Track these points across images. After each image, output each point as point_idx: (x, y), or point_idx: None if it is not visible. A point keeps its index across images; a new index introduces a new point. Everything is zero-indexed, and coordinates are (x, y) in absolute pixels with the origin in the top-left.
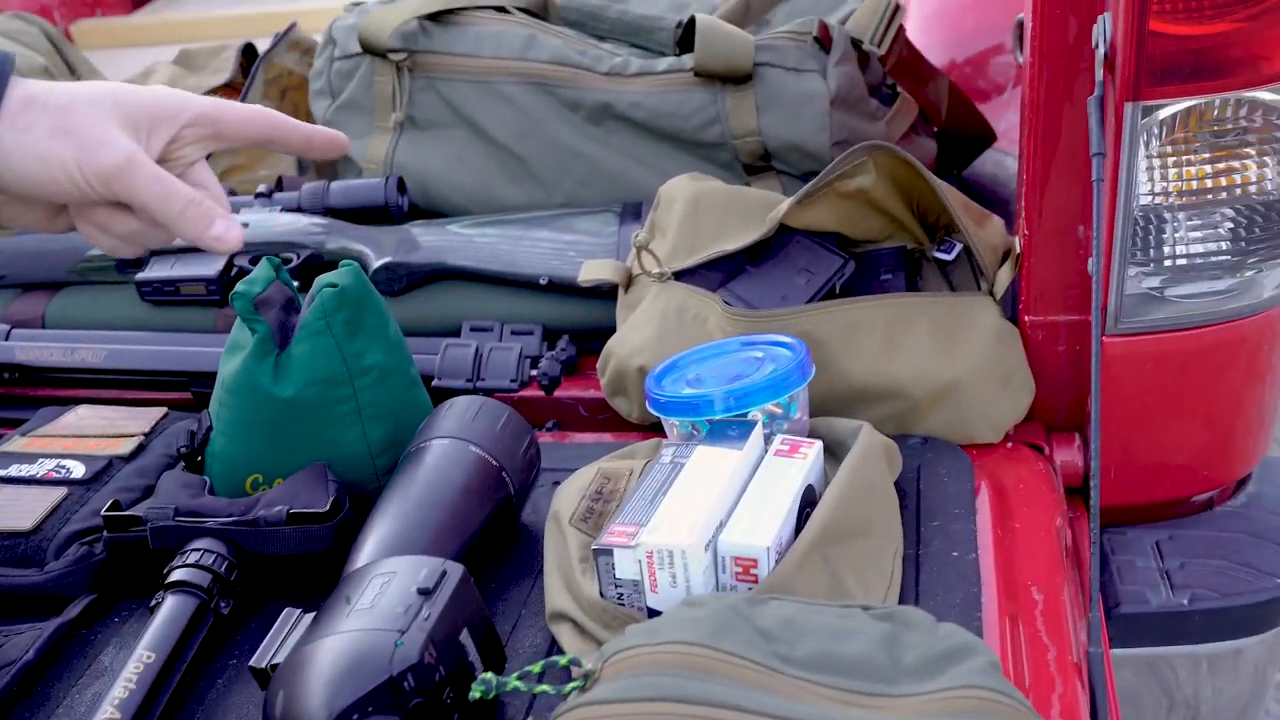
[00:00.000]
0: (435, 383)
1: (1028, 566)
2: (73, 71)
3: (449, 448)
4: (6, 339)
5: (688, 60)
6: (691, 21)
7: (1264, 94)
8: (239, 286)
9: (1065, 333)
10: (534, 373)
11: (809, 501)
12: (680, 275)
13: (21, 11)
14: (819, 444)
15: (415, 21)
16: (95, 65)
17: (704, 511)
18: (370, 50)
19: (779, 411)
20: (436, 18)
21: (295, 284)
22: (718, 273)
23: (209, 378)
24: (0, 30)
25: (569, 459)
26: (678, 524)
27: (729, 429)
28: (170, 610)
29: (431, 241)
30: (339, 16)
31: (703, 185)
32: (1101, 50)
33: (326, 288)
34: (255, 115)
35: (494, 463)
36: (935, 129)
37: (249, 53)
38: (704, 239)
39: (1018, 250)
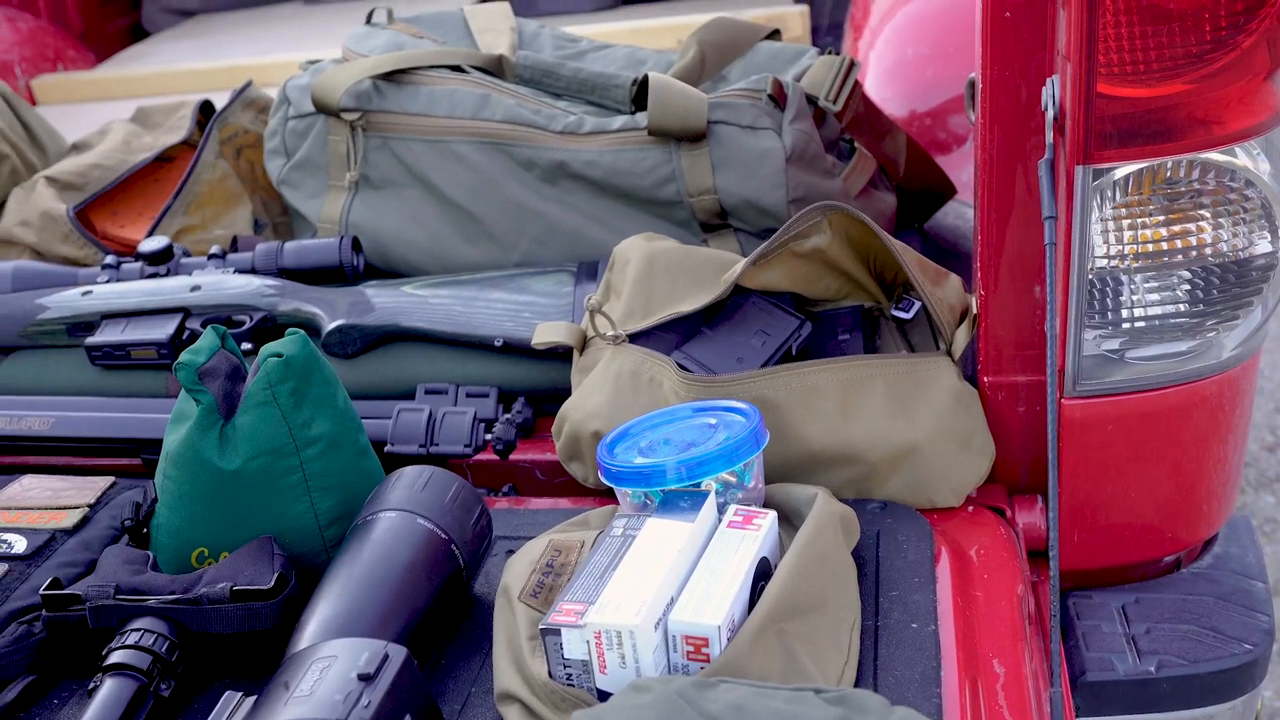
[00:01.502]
0: (388, 448)
1: (989, 637)
2: (27, 129)
3: (396, 521)
4: None
5: (642, 119)
6: (646, 80)
7: (1216, 155)
8: (183, 357)
9: (1025, 394)
10: (488, 437)
11: (764, 574)
12: (635, 337)
13: None
14: (773, 515)
15: (368, 81)
16: (55, 121)
17: (654, 589)
18: (323, 109)
19: (733, 480)
20: (390, 77)
21: (246, 347)
22: (673, 334)
23: (158, 445)
24: None
25: (524, 526)
26: (626, 602)
27: (681, 500)
28: (108, 694)
29: (385, 303)
30: (293, 75)
31: (657, 245)
32: (1051, 113)
33: (271, 357)
34: None
35: (443, 535)
36: (894, 183)
37: (206, 110)
38: (658, 300)
39: (975, 310)
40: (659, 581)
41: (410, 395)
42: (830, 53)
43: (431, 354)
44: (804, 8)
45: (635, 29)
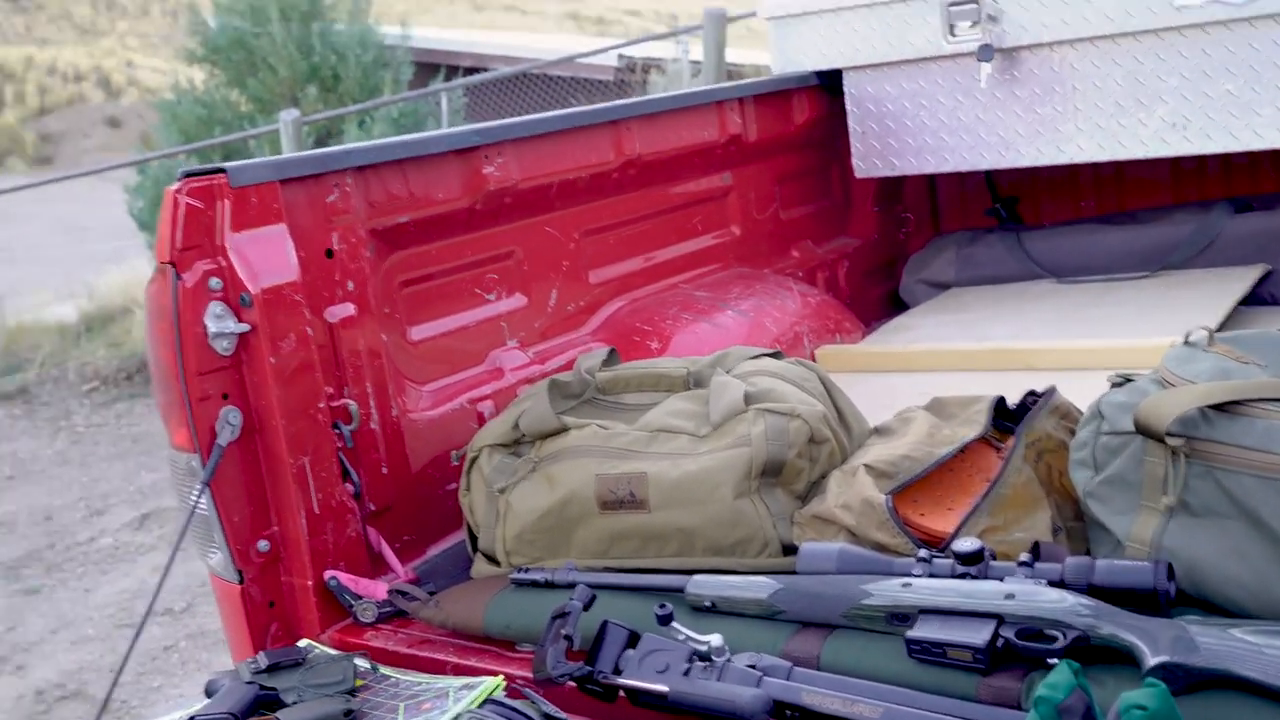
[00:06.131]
0: None
1: None
2: (839, 412)
3: None
4: (788, 677)
5: None
6: None
7: None
8: (1042, 691)
9: None
10: None
11: None
12: None
13: (803, 359)
14: None
15: (1197, 409)
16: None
17: None
18: (1146, 433)
19: None
20: (1220, 406)
21: (1051, 661)
22: None
23: None
24: (789, 375)
25: None
26: None
27: None
28: None
29: (1212, 645)
30: (1107, 392)
31: None
32: None
33: (1134, 709)
34: None
35: None
36: None
37: (1000, 406)
38: None
39: None
40: None
41: None
42: None
43: (1259, 709)
44: None
45: None
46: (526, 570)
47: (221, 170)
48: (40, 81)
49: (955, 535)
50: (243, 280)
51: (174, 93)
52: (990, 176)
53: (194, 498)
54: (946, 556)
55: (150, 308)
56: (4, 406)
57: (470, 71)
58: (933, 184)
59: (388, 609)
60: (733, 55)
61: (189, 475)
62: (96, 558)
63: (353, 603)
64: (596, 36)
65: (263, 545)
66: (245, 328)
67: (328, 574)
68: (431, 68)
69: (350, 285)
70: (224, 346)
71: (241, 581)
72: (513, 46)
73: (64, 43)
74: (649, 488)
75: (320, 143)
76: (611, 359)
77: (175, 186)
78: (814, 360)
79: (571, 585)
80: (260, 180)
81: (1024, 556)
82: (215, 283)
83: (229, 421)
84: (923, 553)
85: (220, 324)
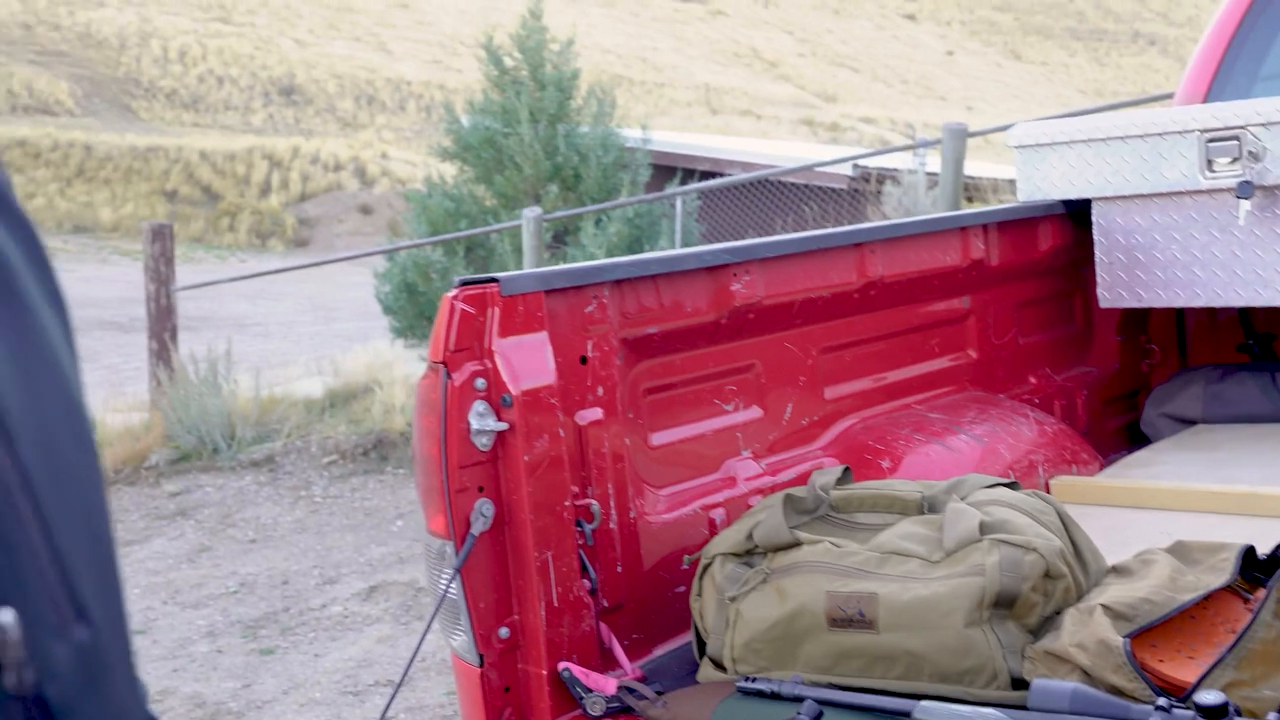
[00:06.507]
0: None
1: None
2: (1075, 547)
3: None
4: None
5: None
6: None
7: None
8: None
9: None
10: None
11: None
12: None
13: (1039, 491)
14: None
15: None
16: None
17: None
18: None
19: None
20: None
21: None
22: None
23: None
24: (1025, 507)
25: None
26: None
27: None
28: None
29: None
30: None
31: None
32: None
33: None
34: None
35: None
36: None
37: (1248, 556)
38: None
39: None
40: None
41: None
42: None
43: None
44: None
45: None
46: (754, 680)
47: (494, 279)
48: (303, 169)
49: (1198, 685)
50: (505, 382)
51: (425, 185)
52: (1244, 312)
53: (444, 582)
54: (1187, 707)
55: (420, 401)
56: (252, 473)
57: (706, 175)
58: (1180, 316)
59: (615, 704)
60: (970, 168)
61: (440, 560)
62: (327, 624)
63: (583, 695)
64: (829, 143)
65: (503, 632)
66: (504, 426)
67: (561, 665)
68: (668, 169)
69: (600, 391)
70: (484, 443)
71: (481, 665)
72: (748, 152)
73: (327, 134)
74: (879, 608)
75: (558, 239)
76: (846, 477)
77: (452, 293)
78: (1048, 490)
79: (799, 699)
80: (528, 290)
81: (1272, 716)
82: (480, 383)
83: (482, 513)
84: (1161, 701)
85: (482, 421)
